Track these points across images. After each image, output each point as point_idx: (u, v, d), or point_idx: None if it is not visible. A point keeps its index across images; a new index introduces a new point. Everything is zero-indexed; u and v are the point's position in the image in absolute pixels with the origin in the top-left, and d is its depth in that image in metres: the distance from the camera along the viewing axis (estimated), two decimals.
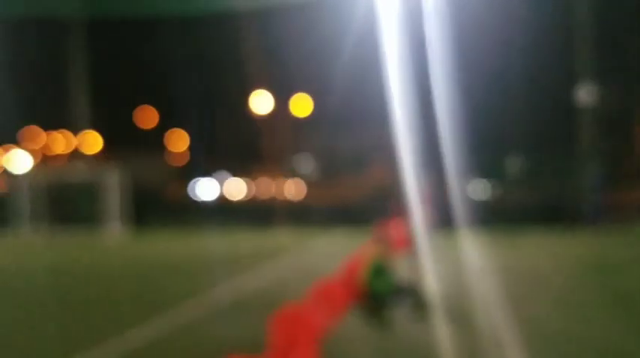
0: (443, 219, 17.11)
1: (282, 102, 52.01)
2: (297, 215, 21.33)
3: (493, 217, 19.17)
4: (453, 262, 10.34)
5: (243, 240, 15.89)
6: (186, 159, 61.59)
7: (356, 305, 6.95)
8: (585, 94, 19.78)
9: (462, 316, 6.45)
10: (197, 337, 5.84)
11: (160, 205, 23.84)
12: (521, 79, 33.45)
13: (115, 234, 19.07)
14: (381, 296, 6.91)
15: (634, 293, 7.65)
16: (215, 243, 15.45)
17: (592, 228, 16.45)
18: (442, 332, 5.83)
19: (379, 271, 6.90)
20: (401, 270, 9.21)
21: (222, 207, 24.82)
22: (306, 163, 20.75)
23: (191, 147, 60.47)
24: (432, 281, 8.40)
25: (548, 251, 12.33)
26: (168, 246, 15.59)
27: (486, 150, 21.06)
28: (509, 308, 6.65)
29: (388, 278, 7.04)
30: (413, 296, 7.17)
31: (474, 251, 12.16)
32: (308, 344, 4.92)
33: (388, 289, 6.98)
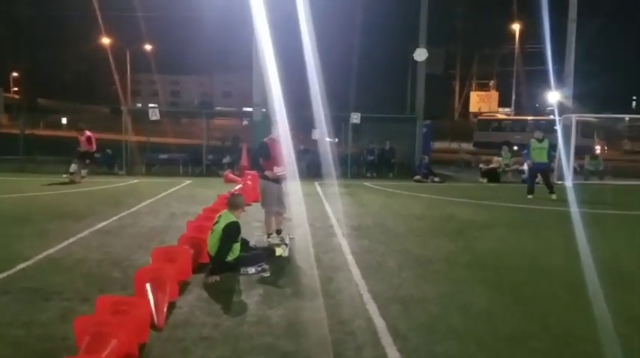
0: (293, 171, 16.39)
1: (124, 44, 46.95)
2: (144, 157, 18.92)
3: (334, 171, 18.86)
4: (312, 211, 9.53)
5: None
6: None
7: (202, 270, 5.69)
8: (419, 56, 19.93)
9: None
10: None
11: None
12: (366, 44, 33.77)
13: None
14: (230, 260, 5.70)
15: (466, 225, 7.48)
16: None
17: (423, 182, 16.84)
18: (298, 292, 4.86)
19: (229, 232, 5.64)
20: (254, 227, 8.17)
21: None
22: (152, 110, 18.25)
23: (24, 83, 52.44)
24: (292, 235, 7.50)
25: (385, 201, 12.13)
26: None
27: (332, 109, 20.43)
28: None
29: (238, 240, 5.81)
30: (264, 257, 6.09)
31: (327, 200, 11.50)
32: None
33: (238, 252, 5.79)
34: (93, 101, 52.10)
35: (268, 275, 5.70)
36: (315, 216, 9.69)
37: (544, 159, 12.75)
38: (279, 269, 5.98)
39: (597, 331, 4.32)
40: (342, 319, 4.50)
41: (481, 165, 18.54)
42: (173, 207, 10.40)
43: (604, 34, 41.82)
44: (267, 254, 6.25)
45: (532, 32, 37.83)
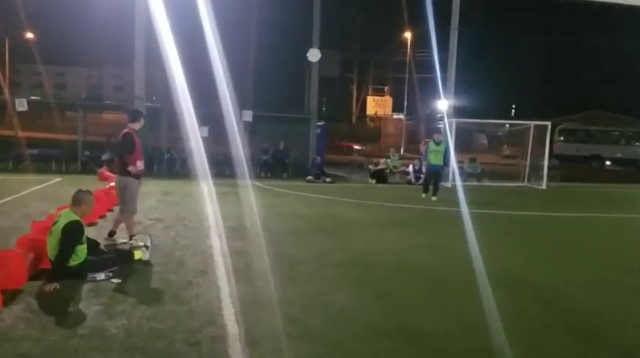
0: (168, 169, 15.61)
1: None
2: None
3: (227, 169, 18.31)
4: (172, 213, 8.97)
5: None
6: None
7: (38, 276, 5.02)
8: (312, 56, 19.92)
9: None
10: None
11: None
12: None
13: None
14: (74, 265, 5.08)
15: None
16: None
17: (315, 183, 16.82)
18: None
19: (69, 233, 5.02)
20: (119, 229, 7.48)
21: None
22: (18, 100, 16.57)
23: None
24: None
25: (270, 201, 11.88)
26: None
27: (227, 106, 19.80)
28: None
29: (83, 242, 5.20)
30: (117, 262, 5.52)
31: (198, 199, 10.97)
32: None
33: (84, 256, 5.17)
34: None
35: (119, 281, 5.15)
36: (192, 216, 9.17)
37: (440, 162, 13.05)
38: (134, 274, 5.45)
39: (453, 327, 4.32)
40: (191, 327, 4.11)
41: (370, 167, 18.93)
42: (30, 206, 9.34)
43: (488, 46, 44.94)
44: (122, 258, 5.69)
45: (424, 41, 39.64)
